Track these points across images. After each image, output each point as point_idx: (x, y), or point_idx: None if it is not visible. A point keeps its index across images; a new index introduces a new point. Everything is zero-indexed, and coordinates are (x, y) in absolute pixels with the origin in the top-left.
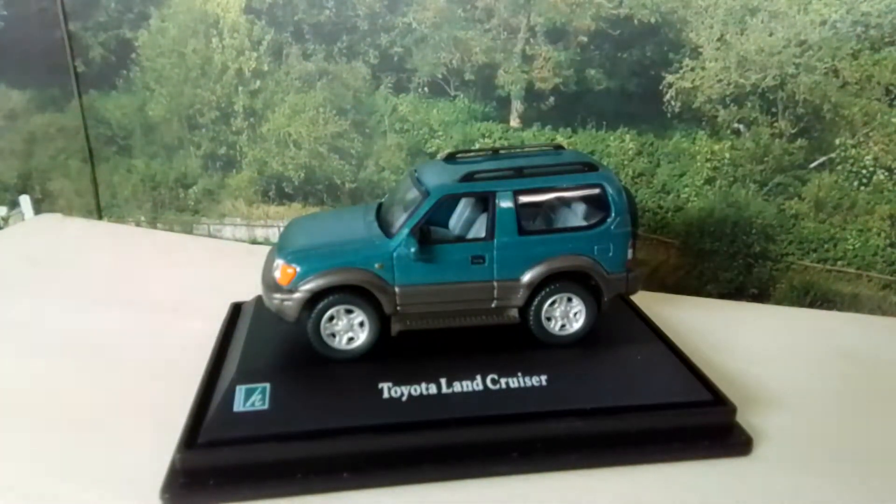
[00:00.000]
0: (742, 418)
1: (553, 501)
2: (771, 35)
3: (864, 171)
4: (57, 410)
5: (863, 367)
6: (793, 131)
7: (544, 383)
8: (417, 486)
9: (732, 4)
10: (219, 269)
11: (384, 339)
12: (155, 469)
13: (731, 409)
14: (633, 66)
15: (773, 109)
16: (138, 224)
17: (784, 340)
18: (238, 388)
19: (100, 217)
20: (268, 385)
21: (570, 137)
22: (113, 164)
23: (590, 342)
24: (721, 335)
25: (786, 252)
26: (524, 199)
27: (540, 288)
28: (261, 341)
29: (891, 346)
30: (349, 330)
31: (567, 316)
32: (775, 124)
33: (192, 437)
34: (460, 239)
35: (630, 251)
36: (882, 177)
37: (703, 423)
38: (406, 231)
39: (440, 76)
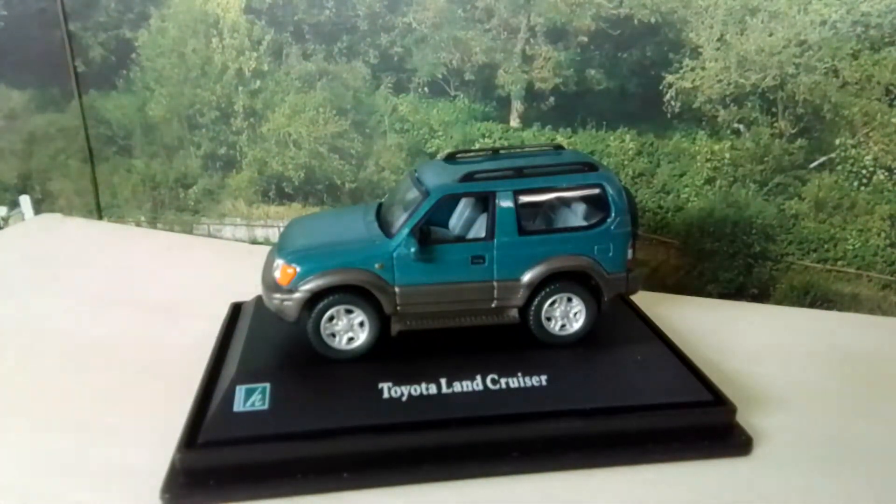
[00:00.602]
0: (742, 418)
1: (553, 501)
2: (771, 35)
3: (864, 172)
4: (57, 410)
5: (863, 367)
6: (793, 131)
7: (544, 383)
8: (417, 487)
9: (732, 4)
10: (219, 269)
11: (384, 339)
12: (155, 469)
13: (731, 410)
14: (633, 67)
15: (773, 109)
16: (138, 224)
17: (784, 340)
18: (238, 388)
19: (100, 217)
20: (268, 385)
21: (570, 137)
22: (113, 164)
23: (590, 342)
24: (721, 335)
25: (786, 252)
26: (524, 199)
27: (540, 288)
28: (261, 341)
29: (891, 345)
30: (349, 330)
31: (567, 316)
32: (775, 124)
33: (192, 436)
34: (460, 239)
35: (630, 251)
36: (882, 177)
37: (703, 423)
38: (406, 231)
39: (440, 76)
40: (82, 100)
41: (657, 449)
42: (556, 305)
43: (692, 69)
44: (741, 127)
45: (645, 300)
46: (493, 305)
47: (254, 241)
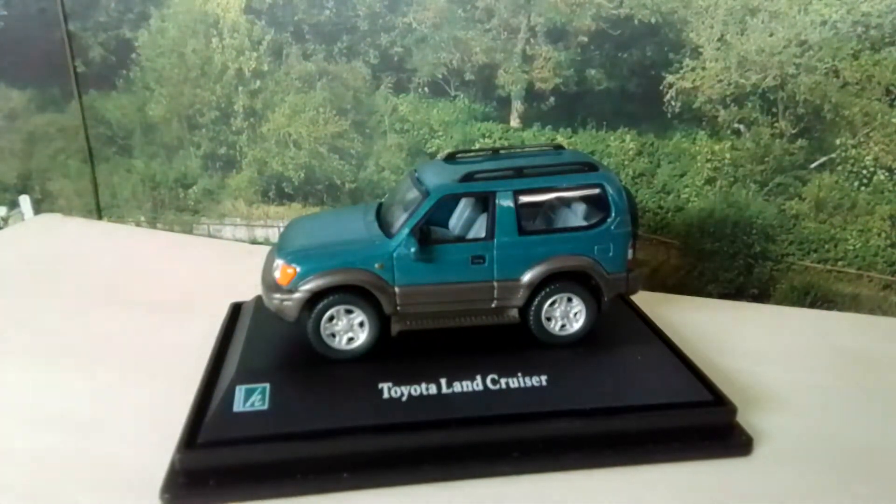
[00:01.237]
0: (742, 419)
1: (553, 502)
2: (771, 35)
3: (864, 172)
4: (56, 410)
5: (863, 368)
6: (793, 131)
7: (544, 383)
8: (418, 487)
9: (733, 4)
10: (219, 270)
11: (384, 340)
12: (154, 469)
13: (731, 410)
14: (633, 67)
15: (774, 110)
16: (138, 224)
17: (784, 341)
18: (238, 388)
19: (99, 217)
20: (267, 385)
21: (571, 137)
22: (113, 164)
23: (590, 342)
24: (721, 335)
25: (786, 252)
26: (524, 199)
27: (540, 288)
28: (261, 341)
29: (891, 346)
30: (349, 330)
31: (567, 316)
32: (776, 124)
33: (192, 437)
34: (460, 239)
35: (630, 251)
36: (882, 177)
37: (703, 423)
38: (406, 231)
39: (440, 76)
40: (82, 100)
41: (657, 449)
42: (557, 305)
43: (692, 69)
44: (741, 127)
45: (645, 300)
46: (493, 305)
47: (254, 241)
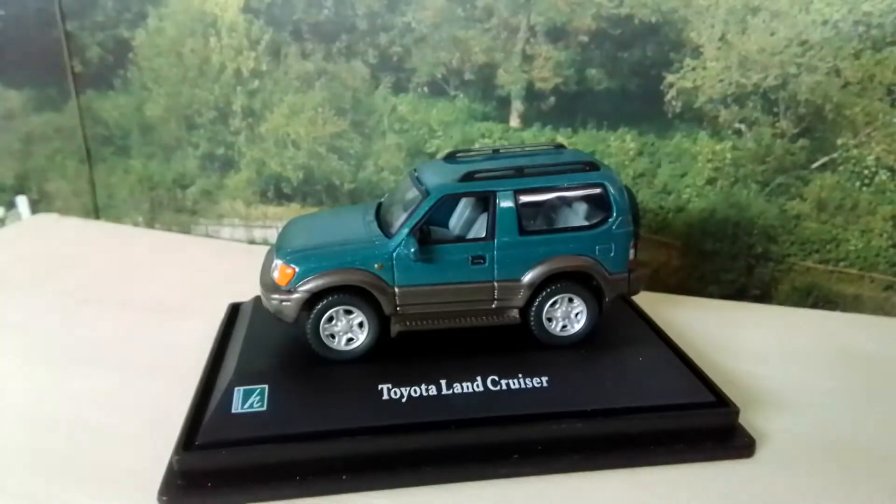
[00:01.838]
0: (745, 420)
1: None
2: (772, 35)
3: (866, 172)
4: (54, 411)
5: (866, 369)
6: (794, 131)
7: (545, 384)
8: (417, 489)
9: (734, 4)
10: (217, 270)
11: (384, 340)
12: (153, 470)
13: (733, 411)
14: (633, 66)
15: (775, 109)
16: (136, 224)
17: (786, 342)
18: (236, 389)
19: (97, 217)
20: (266, 386)
21: (571, 137)
22: (110, 164)
23: (591, 343)
24: (723, 336)
25: (788, 253)
26: (525, 198)
27: (541, 288)
28: (259, 342)
29: (893, 347)
30: (348, 331)
31: (568, 317)
32: (777, 124)
33: (190, 438)
34: (460, 239)
35: (632, 251)
36: (884, 177)
37: (705, 424)
38: (406, 231)
39: (440, 76)
40: (79, 100)
41: (659, 451)
42: (558, 306)
43: (693, 69)
44: (743, 127)
45: (646, 301)
46: (493, 306)
47: (252, 242)
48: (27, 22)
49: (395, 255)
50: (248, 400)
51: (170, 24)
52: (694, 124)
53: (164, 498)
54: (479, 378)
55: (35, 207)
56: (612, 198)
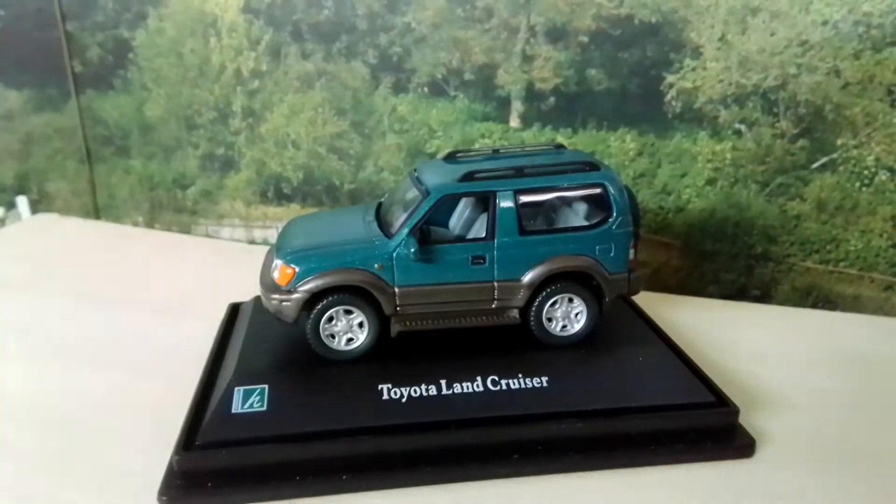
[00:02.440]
0: (745, 420)
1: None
2: (772, 35)
3: (866, 172)
4: (53, 411)
5: (865, 369)
6: (794, 132)
7: (545, 384)
8: (417, 489)
9: (734, 4)
10: (217, 270)
11: (384, 340)
12: (152, 470)
13: (733, 411)
14: (633, 67)
15: (775, 110)
16: (136, 225)
17: (786, 342)
18: (236, 389)
19: (97, 218)
20: (266, 386)
21: (571, 138)
22: (110, 164)
23: (591, 343)
24: (723, 336)
25: (788, 253)
26: (525, 198)
27: (541, 288)
28: (259, 342)
29: (893, 347)
30: (348, 331)
31: (568, 317)
32: (777, 125)
33: (190, 438)
34: (460, 239)
35: (632, 251)
36: (884, 177)
37: (705, 424)
38: (406, 231)
39: (440, 76)
40: (79, 100)
41: (659, 451)
42: (558, 306)
43: (693, 69)
44: (743, 127)
45: (646, 301)
46: (493, 306)
47: (252, 242)
48: (27, 22)
49: (395, 255)
50: (248, 400)
51: (170, 24)
52: (694, 124)
53: (164, 498)
54: (479, 378)
55: (35, 207)
56: (612, 198)
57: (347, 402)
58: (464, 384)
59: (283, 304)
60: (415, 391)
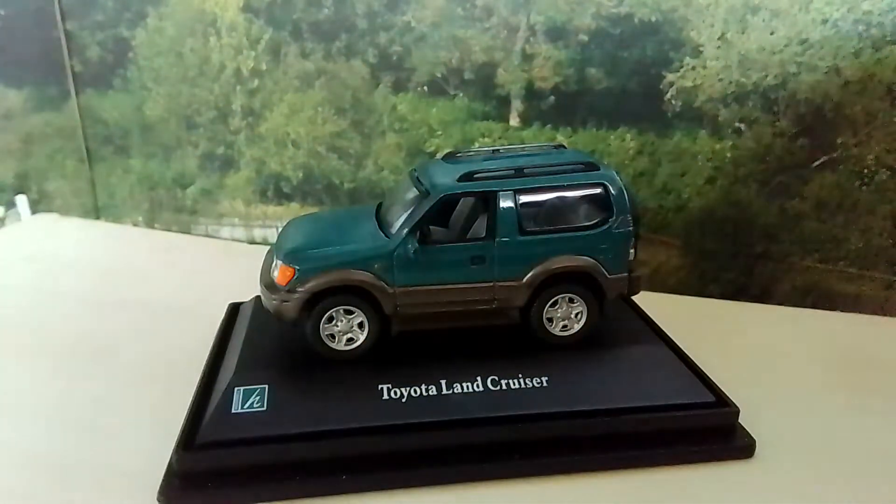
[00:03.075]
0: (745, 420)
1: None
2: (772, 34)
3: (865, 171)
4: (53, 411)
5: (866, 368)
6: (794, 130)
7: (545, 384)
8: (417, 489)
9: (733, 3)
10: (217, 270)
11: (384, 340)
12: (152, 470)
13: (733, 411)
14: (633, 65)
15: (775, 108)
16: (135, 224)
17: (786, 341)
18: (236, 389)
19: (97, 217)
20: (266, 386)
21: (571, 137)
22: (110, 163)
23: (591, 343)
24: (723, 336)
25: (788, 252)
26: (525, 198)
27: (541, 288)
28: (259, 342)
29: (893, 346)
30: (348, 331)
31: (568, 317)
32: (777, 123)
33: (190, 438)
34: (460, 239)
35: (632, 251)
36: (884, 176)
37: (705, 424)
38: (406, 231)
39: (439, 75)
40: (79, 99)
41: (659, 451)
42: (558, 306)
43: (693, 68)
44: (742, 126)
45: (646, 301)
46: (493, 306)
47: (252, 242)
48: (27, 22)
49: (395, 255)
50: (248, 400)
51: (169, 23)
52: (694, 123)
53: (164, 498)
54: (479, 378)
55: (35, 207)
56: (612, 198)
57: (347, 402)
58: (464, 384)
59: (284, 303)
60: (415, 391)
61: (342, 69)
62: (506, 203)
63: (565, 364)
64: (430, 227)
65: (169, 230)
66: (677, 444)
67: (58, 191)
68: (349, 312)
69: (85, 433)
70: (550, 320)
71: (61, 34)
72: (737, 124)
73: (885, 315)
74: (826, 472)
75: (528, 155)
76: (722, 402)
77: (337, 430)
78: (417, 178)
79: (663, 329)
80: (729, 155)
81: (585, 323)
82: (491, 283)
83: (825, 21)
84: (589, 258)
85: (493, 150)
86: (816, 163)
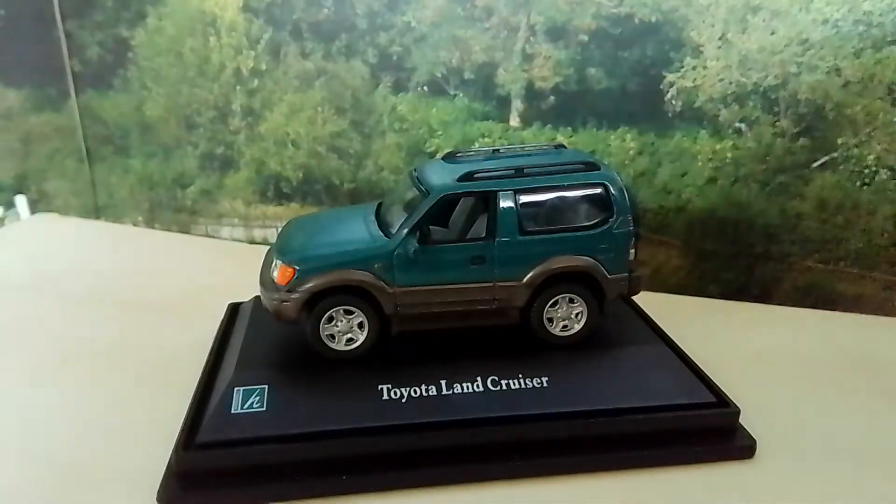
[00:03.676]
0: (745, 420)
1: None
2: (773, 34)
3: (866, 171)
4: (53, 411)
5: (866, 369)
6: (795, 131)
7: (545, 385)
8: (417, 489)
9: (734, 3)
10: (216, 270)
11: (384, 340)
12: (153, 470)
13: (734, 411)
14: (633, 65)
15: (775, 109)
16: (135, 224)
17: (787, 341)
18: (236, 389)
19: (96, 217)
20: (266, 386)
21: (571, 137)
22: (110, 163)
23: (591, 343)
24: (723, 336)
25: (788, 252)
26: (525, 198)
27: (541, 288)
28: (259, 342)
29: (894, 347)
30: (348, 331)
31: (568, 317)
32: (777, 124)
33: (190, 438)
34: (460, 239)
35: (632, 251)
36: (885, 176)
37: (705, 425)
38: (406, 231)
39: (439, 75)
40: (79, 99)
41: (659, 451)
42: (558, 306)
43: (693, 68)
44: (743, 126)
45: (646, 301)
46: (493, 306)
47: (252, 242)
48: (26, 21)
49: (395, 254)
50: (248, 400)
51: (169, 23)
52: (694, 123)
53: (164, 498)
54: (479, 378)
55: (34, 207)
56: (612, 198)
57: (347, 402)
58: (464, 384)
59: (283, 304)
60: (415, 391)
61: (342, 69)
62: (506, 203)
63: (565, 364)
64: (430, 226)
65: (169, 230)
66: (678, 445)
67: (57, 191)
68: (349, 312)
69: (83, 433)
70: (551, 320)
71: (61, 34)
72: (737, 124)
73: (885, 315)
74: (827, 473)
75: (528, 155)
76: (722, 402)
77: (337, 431)
78: (417, 177)
79: (663, 329)
80: (729, 155)
81: (586, 323)
82: (491, 283)
83: (826, 21)
84: (589, 258)
85: (494, 150)
86: (817, 163)
